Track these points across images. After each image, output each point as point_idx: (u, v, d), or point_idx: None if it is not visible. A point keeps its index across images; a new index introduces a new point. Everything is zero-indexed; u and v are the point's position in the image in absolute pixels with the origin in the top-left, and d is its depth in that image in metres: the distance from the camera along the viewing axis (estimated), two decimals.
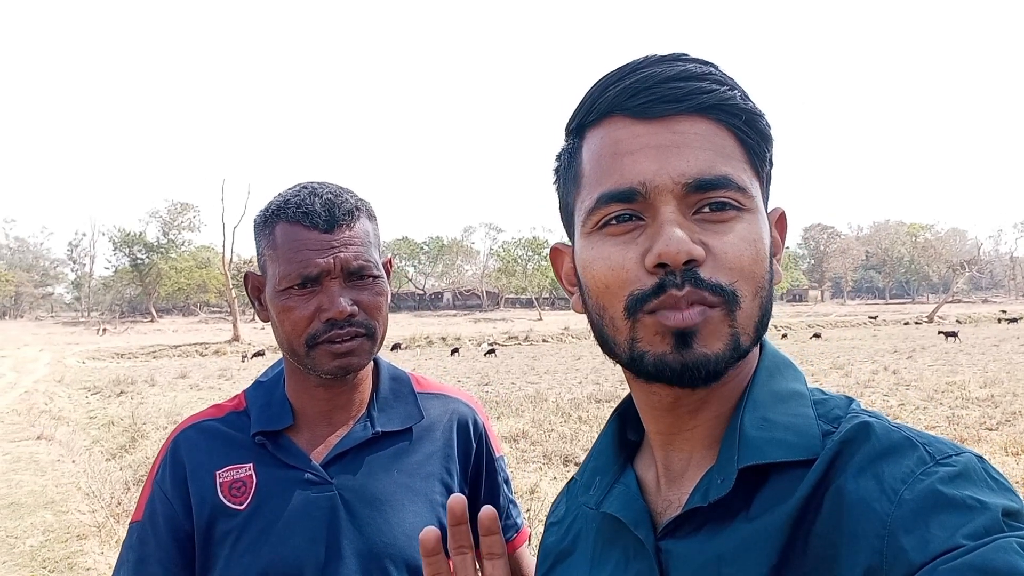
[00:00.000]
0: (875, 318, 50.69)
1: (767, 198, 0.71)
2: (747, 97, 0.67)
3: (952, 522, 0.53)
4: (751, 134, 0.66)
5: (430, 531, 0.72)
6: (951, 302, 70.23)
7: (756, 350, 0.72)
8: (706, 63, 0.68)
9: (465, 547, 0.73)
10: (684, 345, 0.63)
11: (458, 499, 0.73)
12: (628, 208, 0.65)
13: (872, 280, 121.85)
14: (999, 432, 9.56)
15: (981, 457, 0.59)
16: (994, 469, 0.59)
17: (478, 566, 0.77)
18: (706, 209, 0.64)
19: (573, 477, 0.87)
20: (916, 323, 47.59)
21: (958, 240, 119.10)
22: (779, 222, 0.74)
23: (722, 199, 0.64)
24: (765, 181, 0.69)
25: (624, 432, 0.80)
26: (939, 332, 28.42)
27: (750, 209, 0.65)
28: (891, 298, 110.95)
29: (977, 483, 0.56)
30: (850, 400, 0.69)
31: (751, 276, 0.64)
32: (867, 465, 0.59)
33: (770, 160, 0.69)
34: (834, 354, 23.75)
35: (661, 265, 0.62)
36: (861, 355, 23.02)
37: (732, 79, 0.68)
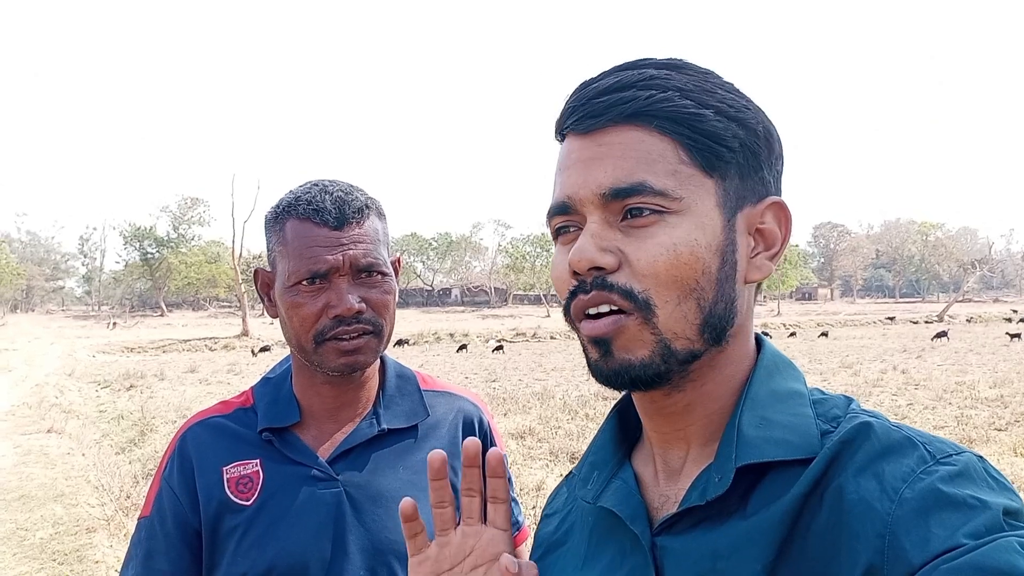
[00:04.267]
0: (892, 319, 49.99)
1: (741, 191, 0.68)
2: (688, 95, 0.66)
3: (953, 521, 0.53)
4: (689, 134, 0.66)
5: (437, 453, 0.73)
6: (962, 301, 69.86)
7: (752, 349, 0.72)
8: (647, 66, 0.69)
9: (474, 490, 0.75)
10: (607, 352, 0.66)
11: (473, 441, 0.74)
12: (568, 220, 0.69)
13: (882, 279, 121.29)
14: (1008, 432, 9.51)
15: (981, 456, 0.60)
16: (994, 468, 0.59)
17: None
18: (630, 216, 0.65)
19: (572, 470, 0.87)
20: (926, 322, 47.35)
21: (969, 239, 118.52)
22: (773, 212, 0.71)
23: (638, 205, 0.65)
24: (729, 176, 0.67)
25: (623, 428, 0.81)
26: (932, 338, 28.01)
27: (676, 212, 0.65)
28: (901, 297, 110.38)
29: (977, 482, 0.56)
30: (849, 400, 0.69)
31: (669, 281, 0.64)
32: (868, 464, 0.60)
33: (732, 154, 0.67)
34: (843, 353, 23.66)
35: (577, 272, 0.66)
36: (870, 354, 22.92)
37: (681, 80, 0.67)
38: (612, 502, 0.73)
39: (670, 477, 0.72)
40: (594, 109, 0.67)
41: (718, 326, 0.67)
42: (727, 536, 0.63)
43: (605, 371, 0.67)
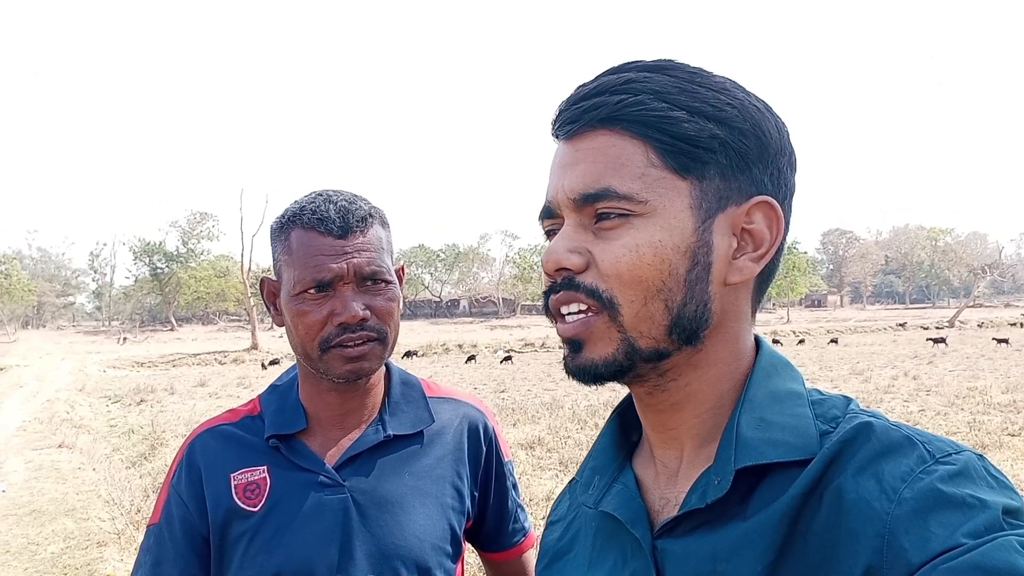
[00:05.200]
0: (903, 325, 49.71)
1: (723, 192, 0.68)
2: (663, 97, 0.67)
3: (952, 521, 0.53)
4: (659, 136, 0.66)
5: None
6: (973, 306, 69.41)
7: (746, 350, 0.72)
8: (630, 69, 0.69)
9: None
10: (575, 350, 0.69)
11: None
12: (553, 222, 0.73)
13: (892, 285, 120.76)
14: (1021, 438, 9.45)
15: (981, 455, 0.59)
16: (994, 467, 0.59)
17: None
18: (601, 219, 0.68)
19: (574, 477, 0.87)
20: (937, 328, 47.05)
21: (979, 244, 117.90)
22: (763, 212, 0.69)
23: (605, 209, 0.67)
24: (707, 177, 0.67)
25: (624, 431, 0.81)
26: (928, 339, 28.06)
27: (643, 214, 0.66)
28: (911, 303, 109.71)
29: (977, 481, 0.56)
30: (848, 400, 0.69)
31: (632, 282, 0.66)
32: (867, 464, 0.59)
33: (709, 155, 0.67)
34: (853, 360, 23.53)
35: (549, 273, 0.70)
36: (881, 360, 22.79)
37: (660, 82, 0.67)
38: (613, 506, 0.73)
39: (670, 479, 0.73)
40: (572, 115, 0.70)
41: (688, 327, 0.67)
42: (727, 538, 0.63)
43: (571, 366, 0.70)
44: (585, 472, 0.81)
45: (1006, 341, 27.59)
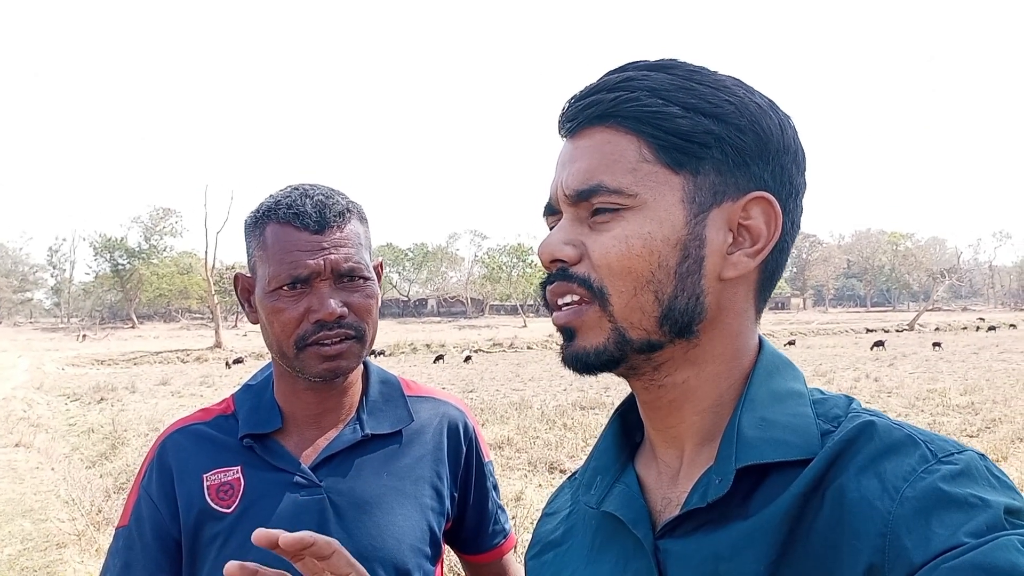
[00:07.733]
0: (872, 331, 50.63)
1: (719, 187, 0.68)
2: (659, 93, 0.67)
3: (954, 520, 0.54)
4: (652, 132, 0.67)
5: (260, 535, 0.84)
6: (931, 310, 71.06)
7: (747, 349, 0.72)
8: (630, 68, 0.71)
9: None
10: (569, 339, 0.71)
11: (263, 535, 0.84)
12: (556, 219, 0.74)
13: (854, 288, 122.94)
14: (979, 439, 9.66)
15: (983, 455, 0.60)
16: (996, 467, 0.59)
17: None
18: (596, 213, 0.69)
19: (575, 472, 0.87)
20: (897, 331, 48.05)
21: (938, 249, 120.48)
22: (761, 208, 0.69)
23: (598, 204, 0.68)
24: (702, 172, 0.67)
25: (626, 432, 0.81)
26: (872, 347, 30.18)
27: (634, 208, 0.67)
28: (872, 306, 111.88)
29: (979, 481, 0.56)
30: (850, 399, 0.69)
31: (622, 272, 0.67)
32: (869, 463, 0.60)
33: (704, 150, 0.67)
34: (816, 362, 23.90)
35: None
36: (843, 362, 23.21)
37: (657, 80, 0.68)
38: (615, 506, 0.73)
39: (672, 479, 0.72)
40: (572, 113, 0.71)
41: (680, 320, 0.68)
42: (729, 538, 0.63)
43: (566, 355, 0.71)
44: (587, 472, 0.81)
45: (939, 344, 29.98)
